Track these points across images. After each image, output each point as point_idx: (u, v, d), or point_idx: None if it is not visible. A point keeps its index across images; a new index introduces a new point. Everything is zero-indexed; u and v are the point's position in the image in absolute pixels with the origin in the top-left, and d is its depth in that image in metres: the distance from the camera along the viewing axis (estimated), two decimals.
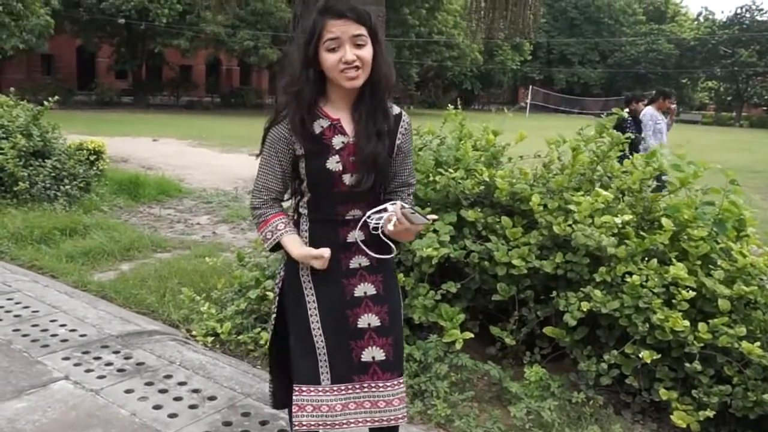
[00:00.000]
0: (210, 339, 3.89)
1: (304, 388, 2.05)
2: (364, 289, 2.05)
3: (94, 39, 34.56)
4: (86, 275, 5.08)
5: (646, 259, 3.14)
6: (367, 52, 1.90)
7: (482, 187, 3.59)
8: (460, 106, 4.37)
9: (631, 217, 3.21)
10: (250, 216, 2.02)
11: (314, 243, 2.02)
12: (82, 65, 39.73)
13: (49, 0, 27.38)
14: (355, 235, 2.00)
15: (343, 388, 2.04)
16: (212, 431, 2.83)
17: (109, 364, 3.46)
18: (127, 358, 3.54)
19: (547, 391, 3.17)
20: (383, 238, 1.99)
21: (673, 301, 2.95)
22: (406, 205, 1.88)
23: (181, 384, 3.27)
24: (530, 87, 53.27)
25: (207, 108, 38.27)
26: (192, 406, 3.04)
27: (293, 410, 2.06)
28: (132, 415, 2.92)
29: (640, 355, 2.94)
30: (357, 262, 2.04)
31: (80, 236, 6.14)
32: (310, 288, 2.04)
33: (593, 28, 59.19)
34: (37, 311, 4.16)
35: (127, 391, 3.15)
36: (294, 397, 2.05)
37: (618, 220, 3.15)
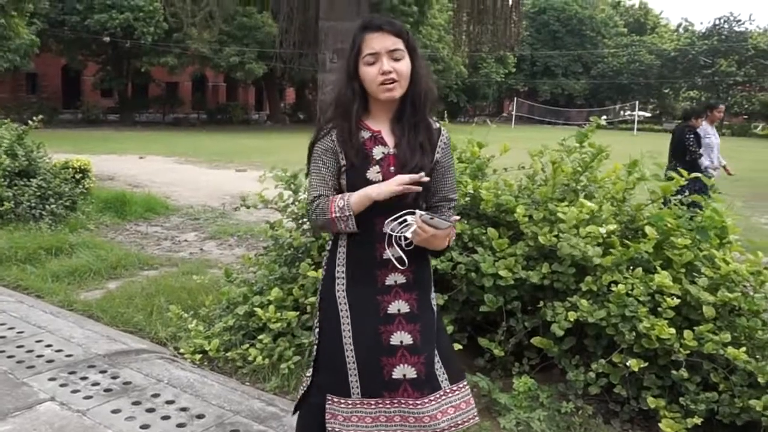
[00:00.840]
0: (198, 356, 3.86)
1: (335, 399, 2.09)
2: (398, 306, 2.06)
3: (80, 57, 34.49)
4: (72, 294, 5.04)
5: (631, 267, 3.16)
6: (404, 65, 1.96)
7: (468, 199, 3.62)
8: (446, 119, 4.39)
9: (615, 226, 3.24)
10: (313, 226, 2.03)
11: (351, 259, 2.06)
12: (68, 84, 39.58)
13: (34, 19, 27.33)
14: (389, 253, 2.01)
15: (373, 402, 2.06)
16: None
17: (95, 384, 3.42)
18: (114, 378, 3.51)
19: (536, 401, 3.17)
20: (408, 249, 1.99)
21: (659, 309, 2.97)
22: (424, 212, 1.89)
23: (169, 403, 3.24)
24: (515, 99, 53.69)
25: (193, 124, 38.22)
26: (180, 425, 3.01)
27: (326, 417, 2.10)
28: None
29: (628, 364, 2.95)
30: (393, 279, 2.06)
31: (66, 255, 6.09)
32: (345, 303, 2.06)
33: (576, 41, 59.81)
34: (22, 332, 4.11)
35: (114, 411, 3.12)
36: (327, 405, 2.10)
37: (603, 230, 3.18)
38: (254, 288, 4.05)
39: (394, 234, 1.94)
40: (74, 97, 38.44)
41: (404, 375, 2.05)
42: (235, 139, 26.97)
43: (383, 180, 1.98)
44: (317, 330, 2.19)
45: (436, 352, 2.13)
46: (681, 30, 64.76)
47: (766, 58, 49.89)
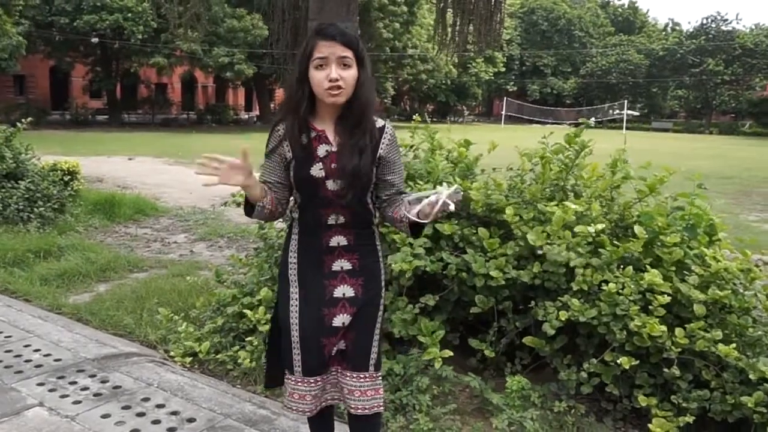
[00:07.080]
0: (188, 359, 3.84)
1: (288, 376, 2.29)
2: (343, 290, 2.22)
3: (68, 59, 34.18)
4: (61, 298, 5.00)
5: (622, 266, 3.16)
6: (350, 74, 2.08)
7: None
8: (435, 118, 4.39)
9: (604, 225, 3.24)
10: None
11: (301, 245, 2.24)
12: (56, 85, 39.23)
13: (21, 20, 27.07)
14: (338, 241, 2.20)
15: (312, 380, 2.24)
16: None
17: (85, 388, 3.39)
18: (103, 382, 3.48)
19: (529, 401, 3.17)
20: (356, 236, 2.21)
21: (650, 307, 2.98)
22: (449, 191, 1.95)
23: (159, 407, 3.21)
24: (505, 99, 53.87)
25: (183, 125, 38.01)
26: (170, 429, 2.99)
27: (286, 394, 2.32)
28: None
29: (619, 362, 2.96)
30: (339, 265, 2.22)
31: (55, 258, 6.04)
32: (295, 285, 2.24)
33: (565, 40, 60.16)
34: (10, 336, 4.07)
35: (104, 416, 3.09)
36: (285, 382, 2.33)
37: (591, 229, 3.18)
38: (244, 289, 4.02)
39: (410, 214, 2.00)
40: (63, 98, 38.14)
41: (340, 350, 2.23)
42: (225, 139, 26.83)
43: (326, 176, 2.13)
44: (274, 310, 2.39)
45: (375, 339, 2.27)
46: (669, 29, 65.13)
47: (753, 57, 50.28)
